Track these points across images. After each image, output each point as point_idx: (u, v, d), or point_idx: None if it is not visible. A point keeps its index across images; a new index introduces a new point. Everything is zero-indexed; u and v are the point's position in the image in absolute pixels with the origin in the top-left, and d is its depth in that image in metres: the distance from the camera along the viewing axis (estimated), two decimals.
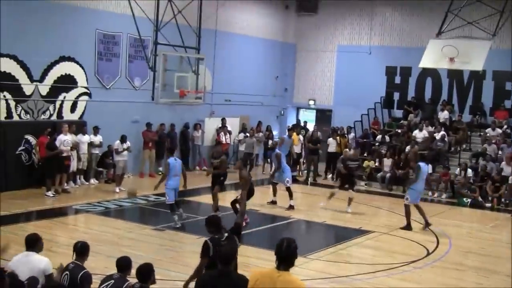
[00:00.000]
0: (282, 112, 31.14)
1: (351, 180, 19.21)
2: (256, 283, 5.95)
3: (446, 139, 24.83)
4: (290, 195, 18.87)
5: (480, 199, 21.61)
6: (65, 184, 19.28)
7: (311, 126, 28.47)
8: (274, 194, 19.33)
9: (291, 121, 30.89)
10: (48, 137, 18.90)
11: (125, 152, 20.46)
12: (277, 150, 19.53)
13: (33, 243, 8.45)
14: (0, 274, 5.54)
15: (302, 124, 28.57)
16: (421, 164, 17.06)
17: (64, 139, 19.19)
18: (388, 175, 23.75)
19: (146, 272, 7.58)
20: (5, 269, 5.64)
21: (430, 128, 25.64)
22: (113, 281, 7.80)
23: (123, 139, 20.31)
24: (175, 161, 16.07)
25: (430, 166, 21.50)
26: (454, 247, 15.38)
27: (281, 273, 5.84)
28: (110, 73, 21.93)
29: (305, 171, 25.55)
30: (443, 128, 25.33)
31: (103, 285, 7.80)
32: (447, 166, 23.49)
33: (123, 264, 8.06)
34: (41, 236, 8.61)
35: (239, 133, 26.41)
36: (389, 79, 28.92)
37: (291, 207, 18.61)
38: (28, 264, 8.11)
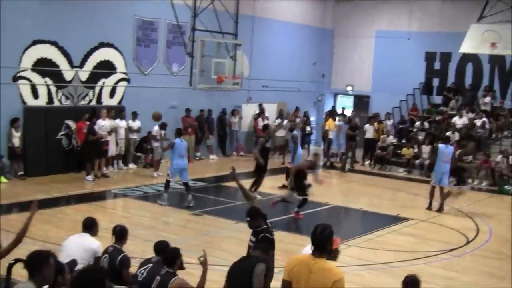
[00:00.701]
0: (320, 98, 31.00)
1: (462, 176, 18.62)
2: (293, 270, 5.91)
3: (487, 125, 24.47)
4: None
5: None
6: (104, 169, 19.48)
7: (348, 112, 28.30)
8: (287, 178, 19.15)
9: (328, 107, 30.76)
10: (87, 122, 19.10)
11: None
12: (294, 132, 19.46)
13: (89, 226, 8.74)
14: (46, 255, 5.63)
15: (340, 110, 28.36)
16: (440, 145, 16.96)
17: (103, 124, 19.36)
18: (426, 162, 23.49)
19: (172, 257, 7.57)
20: (51, 251, 5.75)
21: (471, 115, 25.30)
22: (151, 264, 7.88)
23: (162, 126, 20.40)
24: (181, 142, 16.32)
25: (451, 147, 21.08)
26: (494, 235, 15.17)
27: (317, 260, 5.79)
28: (148, 59, 22.05)
29: (343, 158, 25.43)
30: (484, 115, 24.97)
31: (141, 268, 7.89)
32: (488, 153, 23.14)
33: (160, 248, 8.14)
34: (97, 221, 8.81)
35: (276, 119, 26.36)
36: (428, 64, 28.57)
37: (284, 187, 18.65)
38: (81, 244, 8.38)
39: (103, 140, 19.27)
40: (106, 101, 20.81)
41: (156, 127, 20.29)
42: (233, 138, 25.70)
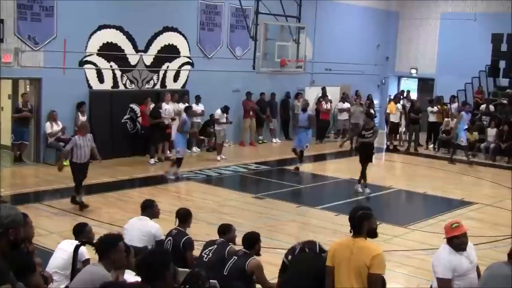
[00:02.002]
0: (384, 81, 30.70)
1: None
2: (335, 253, 6.02)
3: None
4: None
5: None
6: (168, 152, 19.75)
7: (413, 95, 27.96)
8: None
9: (392, 90, 30.45)
10: (149, 106, 19.38)
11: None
12: (309, 112, 20.04)
13: (145, 208, 8.89)
14: (115, 240, 5.83)
15: (405, 93, 28.00)
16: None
17: (166, 108, 19.62)
18: (492, 145, 23.06)
19: (251, 241, 7.75)
20: (121, 235, 5.98)
21: None
22: (216, 246, 8.04)
23: (225, 110, 20.55)
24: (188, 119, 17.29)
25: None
26: None
27: (356, 240, 5.90)
28: (212, 43, 22.23)
29: (406, 141, 25.20)
30: None
31: (206, 250, 8.04)
32: None
33: (225, 229, 8.31)
34: (156, 203, 9.00)
35: (339, 102, 26.23)
36: (495, 46, 27.88)
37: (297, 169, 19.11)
38: (140, 228, 8.56)
39: (166, 123, 19.54)
40: (170, 85, 21.09)
41: (219, 111, 20.47)
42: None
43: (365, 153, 16.33)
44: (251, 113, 23.06)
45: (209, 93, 21.32)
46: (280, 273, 7.15)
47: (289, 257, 7.02)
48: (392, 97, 26.83)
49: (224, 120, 20.58)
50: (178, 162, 16.93)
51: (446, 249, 6.62)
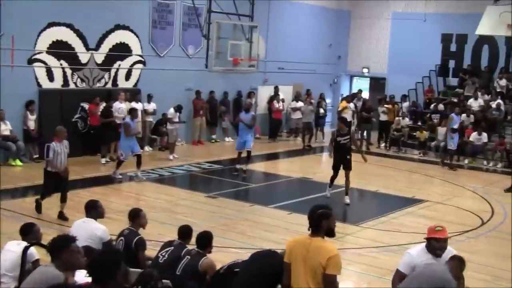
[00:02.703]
0: (336, 80, 30.93)
1: None
2: (291, 250, 6.04)
3: (502, 107, 24.36)
4: None
5: None
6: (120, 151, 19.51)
7: (365, 95, 28.25)
8: None
9: (344, 89, 30.70)
10: (97, 105, 19.18)
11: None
12: (252, 112, 19.61)
13: (89, 209, 8.71)
14: (67, 241, 5.73)
15: (357, 91, 28.26)
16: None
17: (119, 107, 19.44)
18: (442, 144, 23.42)
19: (204, 240, 7.74)
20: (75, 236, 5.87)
21: (486, 97, 25.18)
22: (173, 247, 7.99)
23: (178, 109, 20.45)
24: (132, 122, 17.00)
25: (485, 135, 21.56)
26: (509, 217, 15.14)
27: (313, 239, 5.91)
28: (164, 41, 22.09)
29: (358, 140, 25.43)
30: (499, 97, 24.84)
31: (163, 251, 7.98)
32: (503, 135, 23.06)
33: (184, 232, 8.25)
34: (100, 203, 8.85)
35: (292, 101, 26.32)
36: (444, 46, 28.39)
37: None
38: (86, 231, 8.37)
39: (118, 122, 19.32)
40: (122, 83, 20.89)
41: (172, 110, 20.37)
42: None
43: (342, 161, 15.38)
44: (200, 112, 22.96)
45: (162, 92, 21.18)
46: None
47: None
48: (345, 96, 27.05)
49: (177, 119, 20.48)
50: (118, 163, 16.77)
51: (419, 247, 6.73)
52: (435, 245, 6.55)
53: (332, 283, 5.82)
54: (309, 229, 6.01)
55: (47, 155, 12.57)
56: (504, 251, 12.45)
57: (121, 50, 20.70)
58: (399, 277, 6.60)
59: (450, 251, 6.76)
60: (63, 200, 12.73)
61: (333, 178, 15.68)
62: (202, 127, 23.38)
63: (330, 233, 6.01)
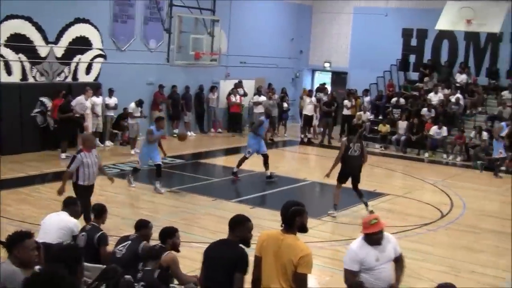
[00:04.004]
0: (298, 74, 31.01)
1: None
2: (263, 244, 6.05)
3: (461, 102, 24.69)
4: None
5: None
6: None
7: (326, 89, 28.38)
8: None
9: (306, 83, 30.80)
10: (63, 99, 18.97)
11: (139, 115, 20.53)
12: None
13: (68, 205, 8.72)
14: (20, 237, 5.69)
15: (322, 85, 28.42)
16: None
17: (82, 102, 19.24)
18: (403, 138, 23.69)
19: (165, 235, 7.72)
20: (30, 231, 5.81)
21: (446, 91, 25.50)
22: (130, 241, 7.95)
23: (139, 103, 20.31)
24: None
25: (445, 128, 21.88)
26: (468, 210, 15.38)
27: (285, 236, 5.93)
28: (125, 35, 21.88)
29: (320, 133, 25.60)
30: (458, 91, 25.18)
31: (119, 246, 7.94)
32: (462, 129, 23.38)
33: (140, 225, 8.23)
34: (79, 203, 8.84)
35: (254, 95, 26.33)
36: (405, 41, 28.66)
37: None
38: (58, 223, 8.42)
39: (78, 116, 19.10)
40: (82, 77, 20.65)
41: (133, 104, 20.23)
42: (211, 115, 25.64)
43: (352, 173, 14.27)
44: (160, 106, 22.84)
45: (123, 86, 21.01)
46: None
47: None
48: (307, 90, 27.14)
49: (138, 114, 20.35)
50: (134, 171, 16.21)
51: (358, 242, 6.76)
52: (373, 237, 6.62)
53: (303, 282, 5.85)
54: (281, 225, 6.01)
55: (69, 166, 11.05)
56: (462, 243, 12.66)
57: (81, 44, 20.46)
58: (352, 276, 6.62)
59: (388, 236, 6.81)
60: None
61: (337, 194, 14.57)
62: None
63: (303, 229, 6.04)
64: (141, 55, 22.36)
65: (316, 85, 29.81)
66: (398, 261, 6.91)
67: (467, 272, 10.85)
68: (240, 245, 6.24)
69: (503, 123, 20.20)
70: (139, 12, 22.23)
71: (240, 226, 6.24)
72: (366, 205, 14.16)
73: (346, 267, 6.70)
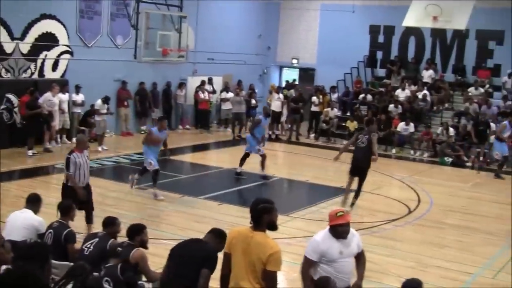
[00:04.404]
0: (265, 70, 31.03)
1: None
2: (233, 241, 6.06)
3: (428, 98, 24.93)
4: None
5: (465, 158, 21.81)
6: (48, 143, 19.15)
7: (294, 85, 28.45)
8: None
9: (274, 80, 30.83)
10: (30, 96, 18.76)
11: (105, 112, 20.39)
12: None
13: (32, 202, 8.68)
14: None
15: (291, 82, 28.48)
16: None
17: (50, 99, 19.04)
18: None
19: (133, 232, 7.69)
20: None
21: (413, 87, 25.72)
22: (97, 239, 7.91)
23: (105, 100, 20.16)
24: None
25: (412, 125, 22.07)
26: (435, 205, 15.55)
27: (255, 234, 5.94)
28: (91, 31, 21.68)
29: (287, 130, 25.68)
30: (425, 87, 25.41)
31: (87, 243, 7.89)
32: (429, 125, 23.64)
33: (107, 221, 8.19)
34: (41, 197, 8.76)
35: (221, 92, 26.27)
36: (372, 38, 28.84)
37: None
38: (23, 221, 8.36)
39: (46, 113, 18.92)
40: (49, 74, 20.43)
41: (99, 101, 20.09)
42: (179, 112, 25.54)
43: (356, 164, 14.35)
44: (125, 102, 22.68)
45: (90, 82, 20.83)
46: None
47: None
48: (275, 87, 27.18)
49: (105, 111, 20.21)
50: (141, 171, 15.33)
51: (322, 233, 6.80)
52: (338, 230, 6.66)
53: (272, 279, 5.88)
54: (250, 222, 6.03)
55: (67, 168, 10.76)
56: (429, 239, 12.79)
57: (48, 40, 20.23)
58: (309, 264, 6.71)
59: (353, 232, 6.87)
60: (89, 220, 11.00)
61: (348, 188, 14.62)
62: (127, 118, 23.07)
63: (272, 227, 6.05)
64: (108, 51, 22.20)
65: (284, 82, 29.85)
66: (360, 258, 6.97)
67: (433, 267, 10.97)
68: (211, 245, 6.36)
69: (506, 121, 20.07)
70: (105, 8, 22.06)
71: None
72: (352, 205, 14.18)
73: (306, 255, 6.79)
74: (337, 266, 6.64)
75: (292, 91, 26.87)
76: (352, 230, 6.84)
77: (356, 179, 14.26)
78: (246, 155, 17.15)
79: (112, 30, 22.41)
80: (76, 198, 10.34)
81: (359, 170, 14.19)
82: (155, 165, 14.44)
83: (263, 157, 17.18)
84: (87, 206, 10.95)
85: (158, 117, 16.95)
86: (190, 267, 6.22)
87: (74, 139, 20.46)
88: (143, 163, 15.02)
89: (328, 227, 6.75)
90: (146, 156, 14.70)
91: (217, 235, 6.56)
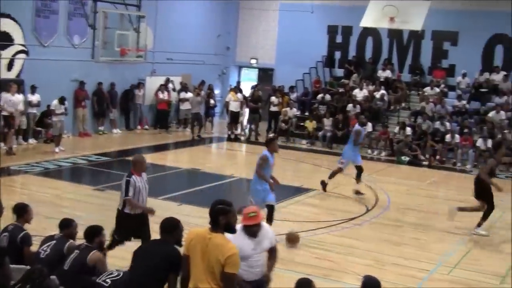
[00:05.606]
0: (225, 70, 30.98)
1: None
2: (191, 243, 6.03)
3: (385, 98, 25.19)
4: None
5: (421, 157, 22.09)
6: (1, 144, 18.75)
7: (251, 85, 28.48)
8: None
9: (233, 80, 30.82)
10: (13, 90, 18.49)
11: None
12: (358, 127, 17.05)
13: None
14: None
15: (256, 86, 28.48)
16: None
17: (10, 99, 18.77)
18: (328, 134, 24.02)
19: (91, 234, 7.63)
20: None
21: (370, 87, 25.95)
22: (55, 241, 7.81)
23: (61, 100, 19.90)
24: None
25: (370, 124, 22.26)
26: (392, 204, 15.71)
27: (213, 235, 5.93)
28: (48, 31, 21.38)
29: (247, 130, 25.71)
30: (383, 87, 25.67)
31: (44, 245, 7.79)
32: (386, 124, 23.88)
33: (63, 223, 8.09)
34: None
35: (179, 92, 26.11)
36: (330, 38, 29.01)
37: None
38: None
39: (6, 114, 18.61)
40: (4, 74, 20.06)
41: (55, 101, 19.78)
42: (137, 112, 25.36)
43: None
44: (82, 103, 22.43)
45: (46, 82, 20.54)
46: None
47: None
48: (233, 87, 27.17)
49: (61, 111, 19.93)
50: None
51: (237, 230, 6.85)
52: (249, 229, 6.77)
53: (231, 281, 5.87)
54: (210, 223, 6.02)
55: (126, 193, 9.56)
56: (386, 237, 12.92)
57: (2, 39, 19.88)
58: None
59: (266, 228, 7.03)
60: None
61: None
62: (85, 118, 22.81)
63: (229, 229, 6.05)
64: (65, 51, 21.89)
65: (243, 82, 29.83)
66: (272, 252, 7.15)
67: (391, 265, 11.09)
68: (175, 246, 6.39)
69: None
70: (62, 7, 21.73)
71: (177, 230, 6.47)
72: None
73: None
74: (250, 261, 6.78)
75: (253, 90, 26.78)
76: (265, 226, 7.03)
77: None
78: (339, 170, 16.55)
79: (69, 29, 22.13)
80: (132, 227, 9.61)
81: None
82: (271, 199, 12.04)
83: (339, 170, 16.55)
84: (147, 234, 9.60)
85: (269, 138, 13.65)
86: (155, 269, 6.26)
87: (30, 140, 20.29)
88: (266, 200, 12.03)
89: (241, 224, 6.80)
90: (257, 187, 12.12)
91: (168, 229, 6.52)
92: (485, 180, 13.13)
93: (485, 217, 13.36)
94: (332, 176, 16.40)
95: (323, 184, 16.35)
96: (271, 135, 16.24)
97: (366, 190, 16.86)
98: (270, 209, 11.86)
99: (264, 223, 7.07)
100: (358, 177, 16.49)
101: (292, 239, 11.73)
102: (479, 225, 13.37)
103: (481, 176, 13.25)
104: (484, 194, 13.29)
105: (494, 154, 13.74)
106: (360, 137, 16.44)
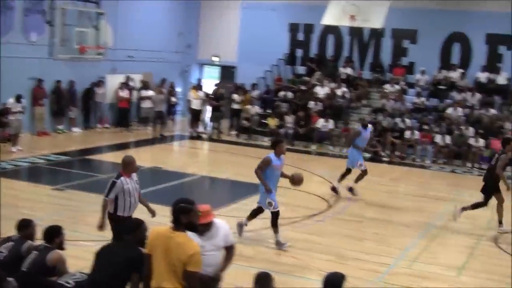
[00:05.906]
0: (186, 68, 30.81)
1: None
2: (153, 242, 6.01)
3: (347, 95, 25.33)
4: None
5: (383, 153, 22.24)
6: None
7: (214, 83, 28.39)
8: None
9: (195, 77, 30.69)
10: None
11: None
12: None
13: None
14: None
15: (218, 84, 28.40)
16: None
17: None
18: (290, 131, 24.05)
19: (51, 234, 7.52)
20: None
21: (332, 85, 26.05)
22: (12, 243, 7.68)
23: (18, 98, 19.56)
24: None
25: (331, 121, 22.36)
26: (353, 200, 15.79)
27: (175, 234, 5.91)
28: (3, 27, 20.92)
29: (209, 128, 25.63)
30: (344, 85, 25.80)
31: (1, 247, 7.66)
32: (347, 121, 23.99)
33: (21, 224, 7.96)
34: None
35: (140, 90, 25.86)
36: (292, 36, 29.04)
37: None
38: None
39: None
40: None
41: (12, 99, 19.45)
42: (97, 110, 25.07)
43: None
44: (40, 101, 22.08)
45: (2, 80, 20.14)
46: None
47: None
48: (194, 85, 27.05)
49: (18, 109, 19.60)
50: None
51: None
52: (199, 228, 6.63)
53: (193, 279, 5.87)
54: (172, 222, 5.98)
55: (107, 193, 9.23)
56: (348, 232, 12.99)
57: None
58: None
59: (220, 225, 7.03)
60: None
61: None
62: (43, 117, 22.45)
63: (191, 228, 6.03)
64: (21, 48, 21.45)
65: (205, 79, 29.71)
66: (228, 251, 7.15)
67: (352, 260, 11.14)
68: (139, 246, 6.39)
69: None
70: (18, 3, 21.31)
71: (139, 229, 6.52)
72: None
73: None
74: (206, 259, 6.65)
75: (215, 89, 26.70)
76: (220, 224, 7.01)
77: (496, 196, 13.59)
78: (348, 171, 16.41)
79: (26, 25, 21.67)
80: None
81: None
82: (275, 206, 11.78)
83: (364, 173, 16.31)
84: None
85: (275, 140, 13.11)
86: (118, 270, 6.27)
87: None
88: (258, 201, 12.25)
89: None
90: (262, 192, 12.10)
91: (130, 229, 6.60)
92: (500, 175, 13.30)
93: (474, 207, 13.69)
94: (357, 180, 16.25)
95: (351, 190, 16.16)
96: (274, 138, 16.07)
97: (328, 186, 16.83)
98: (272, 215, 11.72)
99: (221, 222, 7.04)
100: (342, 177, 16.45)
101: (296, 181, 12.16)
102: (500, 222, 13.50)
103: (497, 171, 13.36)
104: (492, 189, 13.44)
105: (504, 149, 13.59)
106: (356, 137, 16.35)
